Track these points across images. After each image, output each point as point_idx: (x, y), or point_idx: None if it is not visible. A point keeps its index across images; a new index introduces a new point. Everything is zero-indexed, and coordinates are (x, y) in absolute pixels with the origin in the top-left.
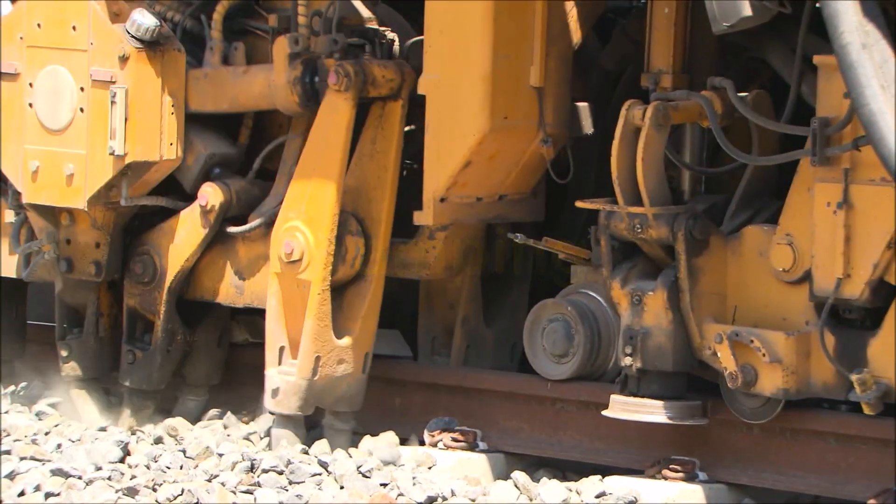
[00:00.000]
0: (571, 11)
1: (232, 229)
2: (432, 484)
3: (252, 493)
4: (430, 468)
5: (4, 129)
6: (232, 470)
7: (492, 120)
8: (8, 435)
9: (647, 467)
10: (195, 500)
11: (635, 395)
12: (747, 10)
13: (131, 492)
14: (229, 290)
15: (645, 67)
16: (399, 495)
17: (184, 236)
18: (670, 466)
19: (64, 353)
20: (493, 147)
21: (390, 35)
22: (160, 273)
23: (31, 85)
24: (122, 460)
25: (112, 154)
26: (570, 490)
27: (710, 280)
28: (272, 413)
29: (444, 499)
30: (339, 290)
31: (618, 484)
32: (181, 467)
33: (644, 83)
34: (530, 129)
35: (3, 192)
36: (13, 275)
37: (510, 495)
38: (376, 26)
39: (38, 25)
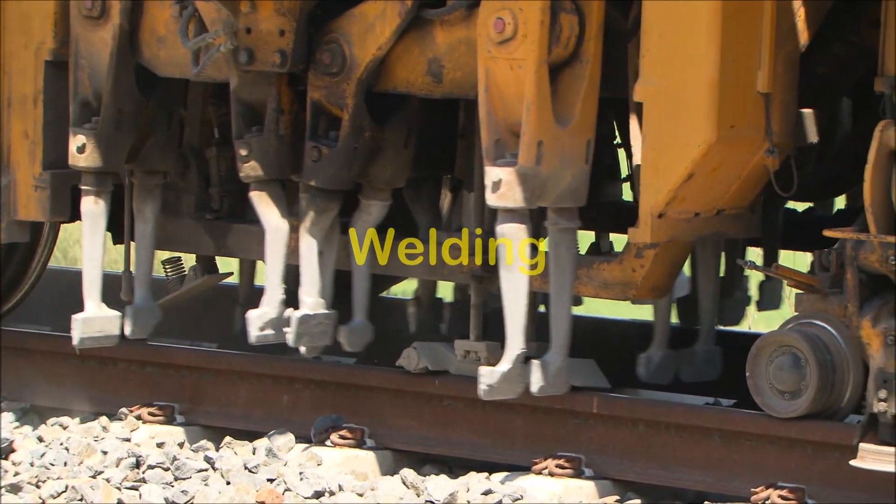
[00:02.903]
0: (799, 11)
1: (430, 12)
2: (320, 479)
3: (137, 490)
4: (318, 465)
5: None
6: (117, 466)
7: (719, 129)
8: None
9: (534, 464)
10: (80, 497)
11: (889, 444)
12: None
13: (14, 488)
14: (426, 80)
15: (878, 71)
16: (286, 490)
17: (376, 22)
18: (557, 463)
19: (243, 153)
20: (718, 158)
21: None
22: (349, 63)
23: None
24: (5, 457)
25: None
26: (458, 486)
27: None
28: (495, 207)
29: (332, 494)
30: (554, 74)
31: (505, 480)
32: (65, 464)
33: (878, 88)
34: (756, 139)
35: None
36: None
37: (398, 491)
38: None
39: None
